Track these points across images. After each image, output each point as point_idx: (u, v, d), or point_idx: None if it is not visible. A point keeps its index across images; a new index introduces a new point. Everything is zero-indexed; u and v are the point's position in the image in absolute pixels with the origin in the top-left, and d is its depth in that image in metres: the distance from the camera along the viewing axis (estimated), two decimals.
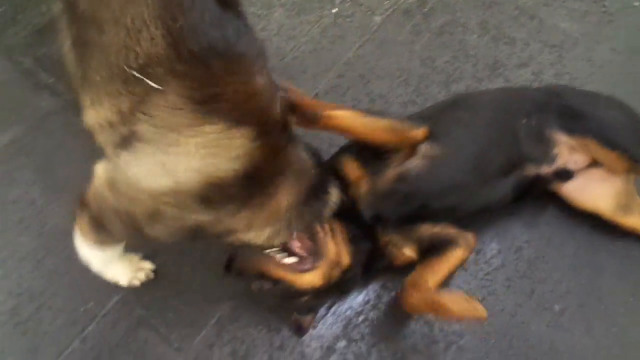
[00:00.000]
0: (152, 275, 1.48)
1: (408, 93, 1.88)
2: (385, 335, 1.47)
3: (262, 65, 1.04)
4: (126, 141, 0.96)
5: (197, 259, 1.53)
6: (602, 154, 1.49)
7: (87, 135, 1.56)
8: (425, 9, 2.07)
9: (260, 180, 1.05)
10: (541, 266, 1.57)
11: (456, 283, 1.54)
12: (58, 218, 1.56)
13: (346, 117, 1.37)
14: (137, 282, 1.45)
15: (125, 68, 0.92)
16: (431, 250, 1.42)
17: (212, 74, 0.93)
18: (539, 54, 1.96)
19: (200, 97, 0.93)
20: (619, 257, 1.58)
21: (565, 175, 1.53)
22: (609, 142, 1.48)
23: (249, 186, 1.03)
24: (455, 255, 1.41)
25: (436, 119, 1.48)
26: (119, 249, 1.34)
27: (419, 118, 1.53)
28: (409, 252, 1.43)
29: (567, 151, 1.51)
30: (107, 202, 1.06)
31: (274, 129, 1.04)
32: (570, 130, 1.50)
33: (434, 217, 1.45)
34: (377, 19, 2.04)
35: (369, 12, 2.06)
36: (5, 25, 1.89)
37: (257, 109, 1.00)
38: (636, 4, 2.10)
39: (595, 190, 1.54)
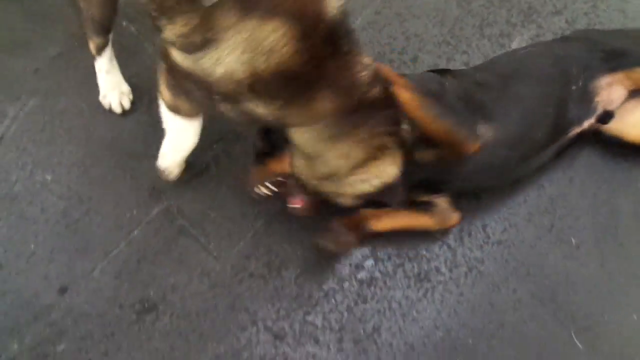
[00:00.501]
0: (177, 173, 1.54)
1: (443, 34, 1.91)
2: (410, 257, 1.57)
3: None
4: (197, 46, 1.10)
5: (236, 179, 1.60)
6: None
7: (131, 49, 1.66)
8: None
9: (300, 82, 1.12)
10: (562, 203, 1.65)
11: (478, 215, 1.63)
12: (104, 128, 1.62)
13: (408, 101, 1.29)
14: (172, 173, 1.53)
15: None
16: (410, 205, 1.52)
17: None
18: (573, 3, 1.99)
19: None
20: (636, 199, 1.66)
21: (607, 117, 1.59)
22: None
23: (289, 85, 1.12)
24: (420, 220, 1.53)
25: (498, 93, 1.47)
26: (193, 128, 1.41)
27: (479, 86, 1.48)
28: None
29: (606, 93, 1.56)
30: (189, 77, 1.19)
31: (315, 33, 1.07)
32: (614, 69, 1.55)
33: (458, 189, 1.54)
34: None
35: None
36: None
37: (294, 5, 1.05)
38: None
39: (635, 118, 1.60)
